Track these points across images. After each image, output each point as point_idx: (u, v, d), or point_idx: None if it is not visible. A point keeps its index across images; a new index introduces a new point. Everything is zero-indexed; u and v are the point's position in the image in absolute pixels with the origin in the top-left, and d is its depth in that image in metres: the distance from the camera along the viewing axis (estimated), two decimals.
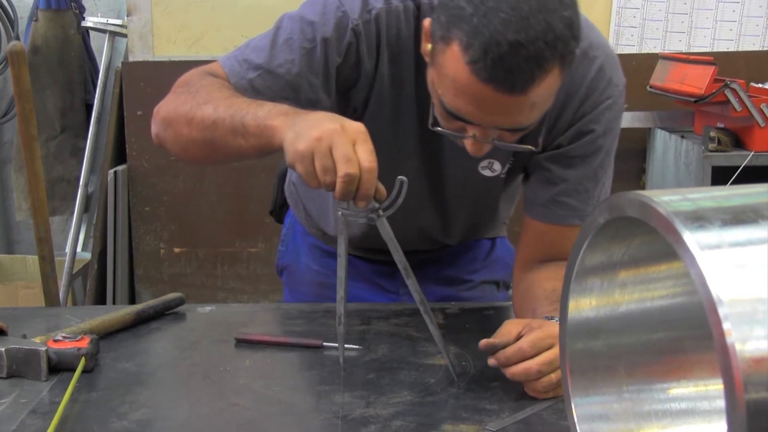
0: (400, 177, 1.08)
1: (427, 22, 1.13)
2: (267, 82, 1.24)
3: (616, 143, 1.35)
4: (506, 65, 1.02)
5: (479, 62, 1.02)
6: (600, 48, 1.28)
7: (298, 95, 1.24)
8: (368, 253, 1.58)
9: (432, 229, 1.50)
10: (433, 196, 1.43)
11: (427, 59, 1.15)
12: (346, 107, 1.31)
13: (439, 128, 1.17)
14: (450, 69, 1.06)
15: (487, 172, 1.37)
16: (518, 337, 1.12)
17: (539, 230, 1.36)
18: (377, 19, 1.23)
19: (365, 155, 1.03)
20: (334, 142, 1.02)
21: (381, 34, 1.24)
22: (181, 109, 1.21)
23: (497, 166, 1.37)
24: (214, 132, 1.17)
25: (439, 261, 1.60)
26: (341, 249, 1.13)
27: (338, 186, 1.02)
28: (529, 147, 1.20)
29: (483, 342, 1.14)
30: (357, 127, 1.05)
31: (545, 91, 1.07)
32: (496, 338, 1.14)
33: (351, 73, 1.26)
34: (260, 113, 1.12)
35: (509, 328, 1.14)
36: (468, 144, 1.15)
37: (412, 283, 1.14)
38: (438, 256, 1.59)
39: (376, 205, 1.09)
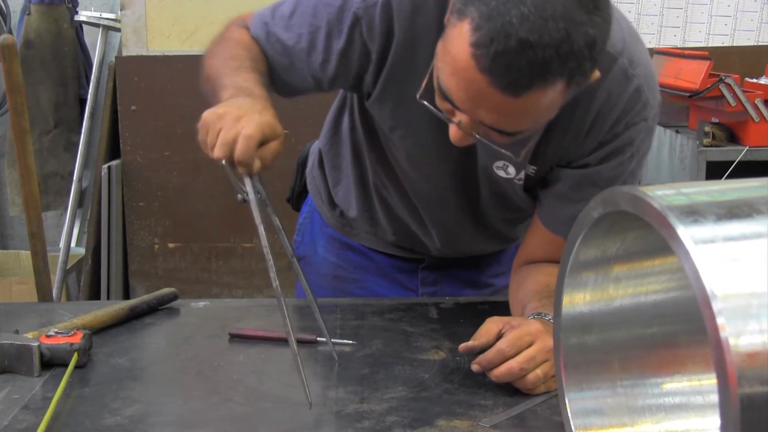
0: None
1: None
2: (277, 50, 1.29)
3: (643, 163, 1.30)
4: (507, 61, 0.96)
5: (482, 48, 0.97)
6: (641, 66, 1.22)
7: (302, 68, 1.27)
8: (389, 248, 1.55)
9: (464, 229, 1.45)
10: (462, 189, 1.37)
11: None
12: (359, 93, 1.31)
13: (425, 101, 1.12)
14: (453, 46, 1.01)
15: (501, 173, 1.32)
16: (498, 336, 1.12)
17: (549, 238, 1.32)
18: (386, 4, 1.19)
19: (241, 144, 1.06)
20: (225, 125, 1.06)
21: (392, 18, 1.20)
22: (205, 54, 1.30)
23: (511, 170, 1.31)
24: (206, 85, 1.24)
25: (464, 264, 1.57)
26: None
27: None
28: (510, 155, 1.16)
29: (462, 346, 1.14)
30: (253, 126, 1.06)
31: (542, 102, 1.01)
32: (476, 339, 1.14)
33: (361, 59, 1.24)
34: (227, 82, 1.18)
35: (489, 326, 1.14)
36: (451, 130, 1.10)
37: (276, 288, 1.10)
38: (463, 259, 1.57)
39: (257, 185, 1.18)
